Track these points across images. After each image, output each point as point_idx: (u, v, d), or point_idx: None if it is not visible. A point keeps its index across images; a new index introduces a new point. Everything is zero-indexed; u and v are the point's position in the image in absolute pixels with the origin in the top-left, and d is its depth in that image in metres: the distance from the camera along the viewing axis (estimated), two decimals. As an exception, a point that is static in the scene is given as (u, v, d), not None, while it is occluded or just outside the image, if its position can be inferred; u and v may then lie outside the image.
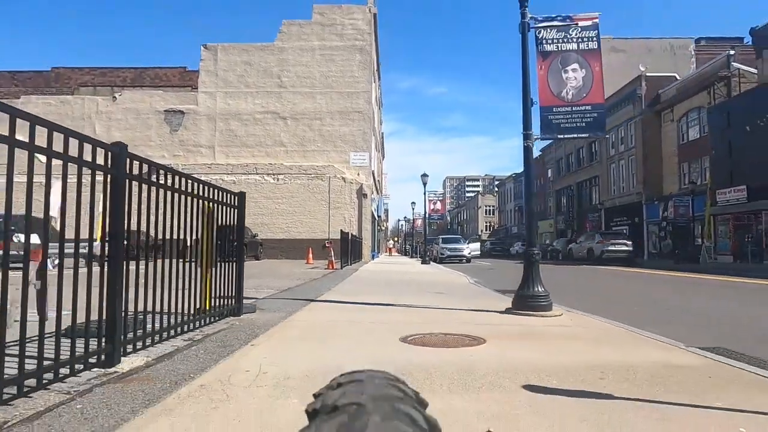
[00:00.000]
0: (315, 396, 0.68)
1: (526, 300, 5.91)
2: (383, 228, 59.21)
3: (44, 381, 2.49)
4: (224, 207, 5.22)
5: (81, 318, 2.89)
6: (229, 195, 5.35)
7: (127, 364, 3.10)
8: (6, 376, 2.26)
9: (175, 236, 4.12)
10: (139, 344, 3.44)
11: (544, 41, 6.21)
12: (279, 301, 7.11)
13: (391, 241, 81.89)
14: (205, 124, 30.64)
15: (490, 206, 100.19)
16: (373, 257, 32.41)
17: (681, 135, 33.74)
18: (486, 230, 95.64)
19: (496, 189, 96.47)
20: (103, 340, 3.02)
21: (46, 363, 2.49)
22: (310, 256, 22.93)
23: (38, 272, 4.08)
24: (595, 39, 6.24)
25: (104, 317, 3.01)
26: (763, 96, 24.80)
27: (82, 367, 2.80)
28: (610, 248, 26.37)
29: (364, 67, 30.48)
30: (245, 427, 2.15)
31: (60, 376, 2.62)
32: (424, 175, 29.80)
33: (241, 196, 5.66)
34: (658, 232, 34.22)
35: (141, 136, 30.28)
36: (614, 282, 14.37)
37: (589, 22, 6.18)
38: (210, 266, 4.96)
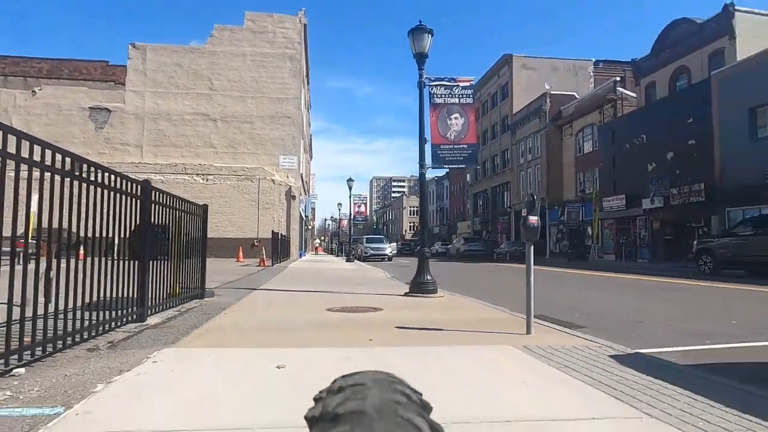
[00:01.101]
0: (315, 400, 0.65)
1: (419, 285, 8.09)
2: (310, 227, 60.68)
3: (116, 324, 4.25)
4: (193, 216, 6.93)
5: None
6: (196, 206, 7.06)
7: (151, 320, 4.87)
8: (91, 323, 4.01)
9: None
10: (153, 310, 5.17)
11: (435, 96, 8.43)
12: (228, 290, 8.85)
13: (318, 240, 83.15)
14: (132, 123, 30.78)
15: (414, 207, 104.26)
16: (300, 256, 34.05)
17: (578, 148, 38.35)
18: (410, 230, 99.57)
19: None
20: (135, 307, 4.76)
21: (113, 316, 4.24)
22: (241, 254, 24.26)
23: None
24: (471, 95, 8.55)
25: (135, 292, 4.75)
26: (640, 119, 29.25)
27: (130, 319, 4.55)
28: (468, 248, 37.04)
29: (295, 74, 32.00)
30: (246, 341, 4.05)
31: (119, 324, 4.38)
32: (350, 180, 31.93)
33: (205, 207, 7.39)
34: (557, 234, 38.62)
35: (63, 132, 29.85)
36: (504, 276, 17.16)
37: (467, 83, 8.49)
38: (180, 261, 6.66)
